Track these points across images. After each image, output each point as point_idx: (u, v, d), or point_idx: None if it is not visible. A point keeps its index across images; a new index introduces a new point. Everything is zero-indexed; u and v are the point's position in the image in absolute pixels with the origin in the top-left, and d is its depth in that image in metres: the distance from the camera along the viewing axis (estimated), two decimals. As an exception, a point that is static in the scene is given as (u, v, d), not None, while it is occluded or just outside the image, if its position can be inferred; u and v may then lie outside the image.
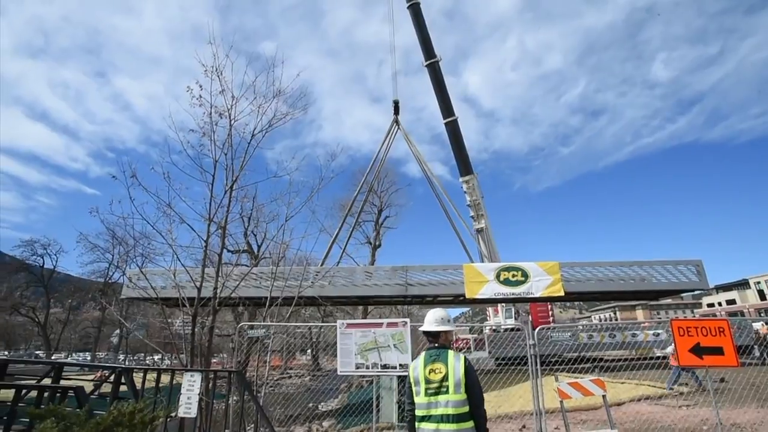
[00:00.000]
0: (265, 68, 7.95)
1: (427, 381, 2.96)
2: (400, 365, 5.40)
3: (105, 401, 5.29)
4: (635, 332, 20.44)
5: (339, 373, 5.56)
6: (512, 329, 23.39)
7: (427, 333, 3.20)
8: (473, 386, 2.92)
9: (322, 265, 24.32)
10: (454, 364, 2.95)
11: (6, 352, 50.83)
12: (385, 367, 5.43)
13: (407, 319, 5.60)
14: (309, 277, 12.63)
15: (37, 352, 48.98)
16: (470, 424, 2.84)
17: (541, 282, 17.45)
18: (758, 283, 70.75)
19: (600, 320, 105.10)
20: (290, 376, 33.41)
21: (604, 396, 5.10)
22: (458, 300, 20.75)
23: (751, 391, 8.57)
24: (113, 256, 38.01)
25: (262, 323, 6.70)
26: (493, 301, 21.64)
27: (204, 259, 6.80)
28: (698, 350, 4.84)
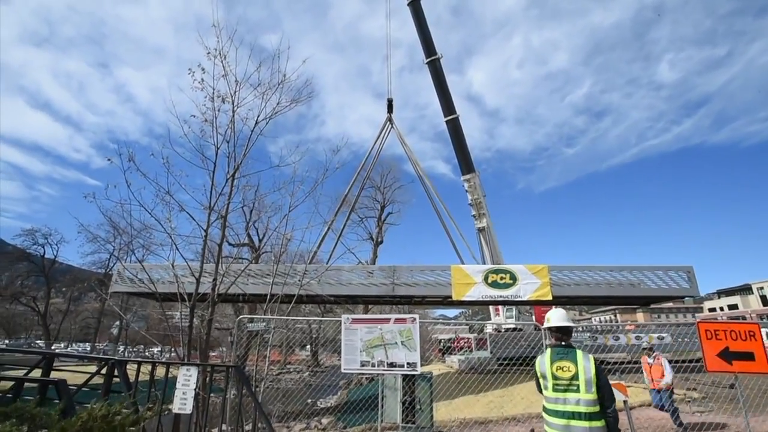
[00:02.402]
0: (268, 58, 7.69)
1: (555, 377, 3.07)
2: (408, 364, 5.13)
3: (97, 394, 5.05)
4: (639, 335, 20.17)
5: (343, 370, 5.30)
6: (514, 329, 23.22)
7: (558, 330, 3.28)
8: (604, 386, 2.97)
9: (314, 254, 24.11)
10: (584, 364, 3.02)
11: (6, 341, 50.84)
12: (391, 365, 5.16)
13: (416, 315, 5.32)
14: (303, 276, 12.46)
15: (38, 342, 48.97)
16: (601, 423, 2.90)
17: (530, 285, 17.35)
18: (761, 288, 70.27)
19: (600, 322, 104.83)
20: (289, 372, 33.34)
21: (625, 401, 4.85)
22: (446, 301, 20.58)
23: (764, 399, 8.30)
24: (114, 246, 37.88)
25: (262, 317, 6.45)
26: (480, 304, 21.52)
27: (204, 249, 6.54)
28: (727, 355, 4.56)
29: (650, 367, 7.98)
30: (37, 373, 5.11)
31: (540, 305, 24.98)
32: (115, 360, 4.78)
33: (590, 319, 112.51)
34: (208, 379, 5.50)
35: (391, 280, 18.48)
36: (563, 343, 3.23)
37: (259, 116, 7.60)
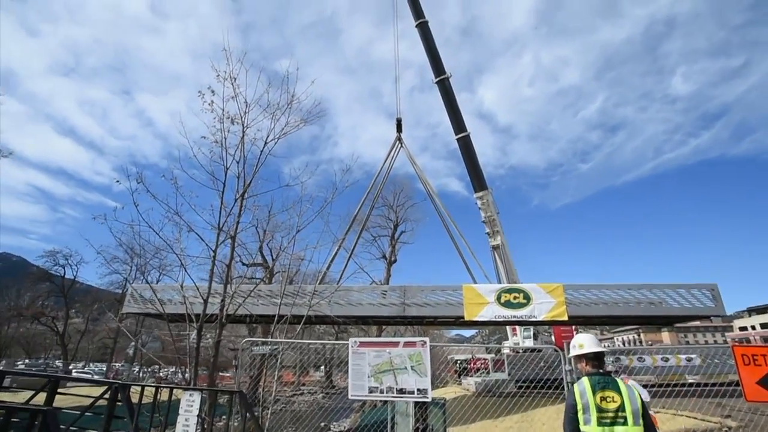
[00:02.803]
0: (278, 80, 7.80)
1: (600, 410, 2.73)
2: (419, 390, 4.86)
3: (101, 419, 4.93)
4: (667, 356, 19.21)
5: (350, 397, 5.06)
6: (533, 350, 22.48)
7: (595, 357, 3.01)
8: (648, 417, 2.75)
9: (325, 273, 23.89)
10: (629, 394, 2.77)
11: (26, 361, 51.63)
12: (401, 391, 4.89)
13: (426, 339, 5.08)
14: (312, 296, 12.20)
15: (56, 362, 49.56)
16: None
17: (544, 305, 16.93)
18: (795, 305, 66.95)
19: (623, 342, 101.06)
20: (302, 393, 32.81)
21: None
22: (458, 322, 20.16)
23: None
24: (131, 268, 38.41)
25: (269, 339, 6.30)
26: (493, 324, 21.05)
27: (212, 269, 6.48)
28: (768, 382, 4.16)
29: None
30: (41, 397, 5.04)
31: (557, 325, 24.27)
32: (119, 384, 4.68)
33: (612, 338, 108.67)
34: (213, 402, 5.34)
35: (402, 300, 18.23)
36: (600, 370, 2.94)
37: (268, 137, 7.66)
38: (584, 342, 3.07)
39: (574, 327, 26.49)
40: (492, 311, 17.12)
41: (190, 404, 4.37)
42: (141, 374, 39.57)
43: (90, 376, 34.48)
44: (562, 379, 5.61)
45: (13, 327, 47.98)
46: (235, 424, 5.43)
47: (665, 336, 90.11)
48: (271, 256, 28.61)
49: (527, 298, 17.08)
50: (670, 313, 17.86)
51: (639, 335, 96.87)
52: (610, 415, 2.69)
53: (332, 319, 14.94)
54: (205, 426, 5.08)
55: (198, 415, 4.42)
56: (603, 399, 2.75)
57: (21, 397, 5.69)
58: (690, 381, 18.04)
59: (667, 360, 19.15)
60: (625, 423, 2.65)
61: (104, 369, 43.59)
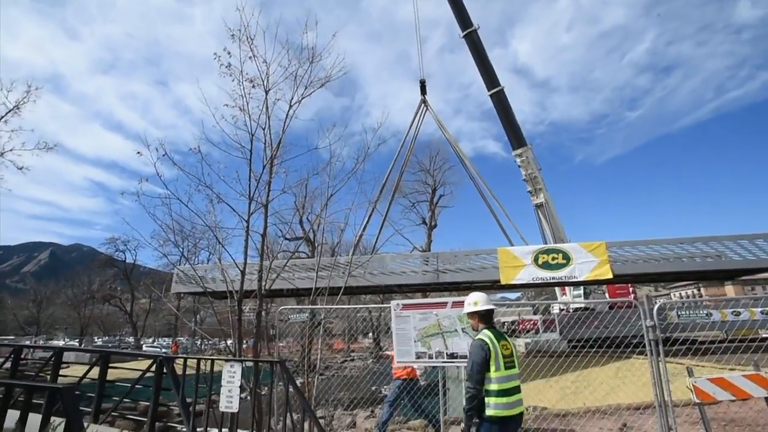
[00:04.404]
0: (300, 42, 7.23)
1: (504, 356, 3.19)
2: (471, 354, 4.45)
3: (149, 390, 4.98)
4: (738, 310, 17.75)
5: (396, 363, 4.74)
6: (584, 309, 21.65)
7: (485, 314, 3.41)
8: None
9: (360, 237, 23.76)
10: (512, 342, 3.39)
11: (104, 338, 57.32)
12: (452, 356, 4.49)
13: (478, 297, 4.60)
14: (347, 267, 12.10)
15: (128, 339, 54.63)
16: None
17: (586, 264, 16.19)
18: None
19: (681, 297, 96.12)
20: (353, 359, 33.97)
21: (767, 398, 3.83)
22: (495, 286, 19.65)
23: None
24: (182, 249, 40.45)
25: (306, 306, 6.11)
26: (531, 287, 20.31)
27: (246, 240, 6.30)
28: None
29: None
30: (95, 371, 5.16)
31: (600, 284, 23.13)
32: (162, 357, 4.65)
33: (668, 294, 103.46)
34: (258, 372, 5.26)
35: (435, 266, 17.92)
36: (492, 325, 3.41)
37: (292, 99, 7.23)
38: (478, 300, 3.44)
39: (630, 285, 25.13)
40: (529, 273, 16.66)
41: (231, 375, 4.28)
42: (202, 347, 42.54)
43: (158, 350, 37.47)
44: (615, 337, 5.03)
45: (89, 309, 52.96)
46: (281, 387, 5.33)
47: (729, 290, 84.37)
48: (312, 229, 28.99)
49: (567, 258, 16.45)
50: (732, 266, 16.48)
51: (699, 290, 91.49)
52: (510, 360, 3.20)
53: (370, 288, 14.90)
54: (253, 395, 5.01)
55: (240, 386, 4.32)
56: (503, 346, 3.21)
57: (81, 370, 5.90)
58: (764, 336, 16.65)
59: (738, 314, 17.71)
60: (514, 366, 3.24)
61: (170, 343, 47.39)
